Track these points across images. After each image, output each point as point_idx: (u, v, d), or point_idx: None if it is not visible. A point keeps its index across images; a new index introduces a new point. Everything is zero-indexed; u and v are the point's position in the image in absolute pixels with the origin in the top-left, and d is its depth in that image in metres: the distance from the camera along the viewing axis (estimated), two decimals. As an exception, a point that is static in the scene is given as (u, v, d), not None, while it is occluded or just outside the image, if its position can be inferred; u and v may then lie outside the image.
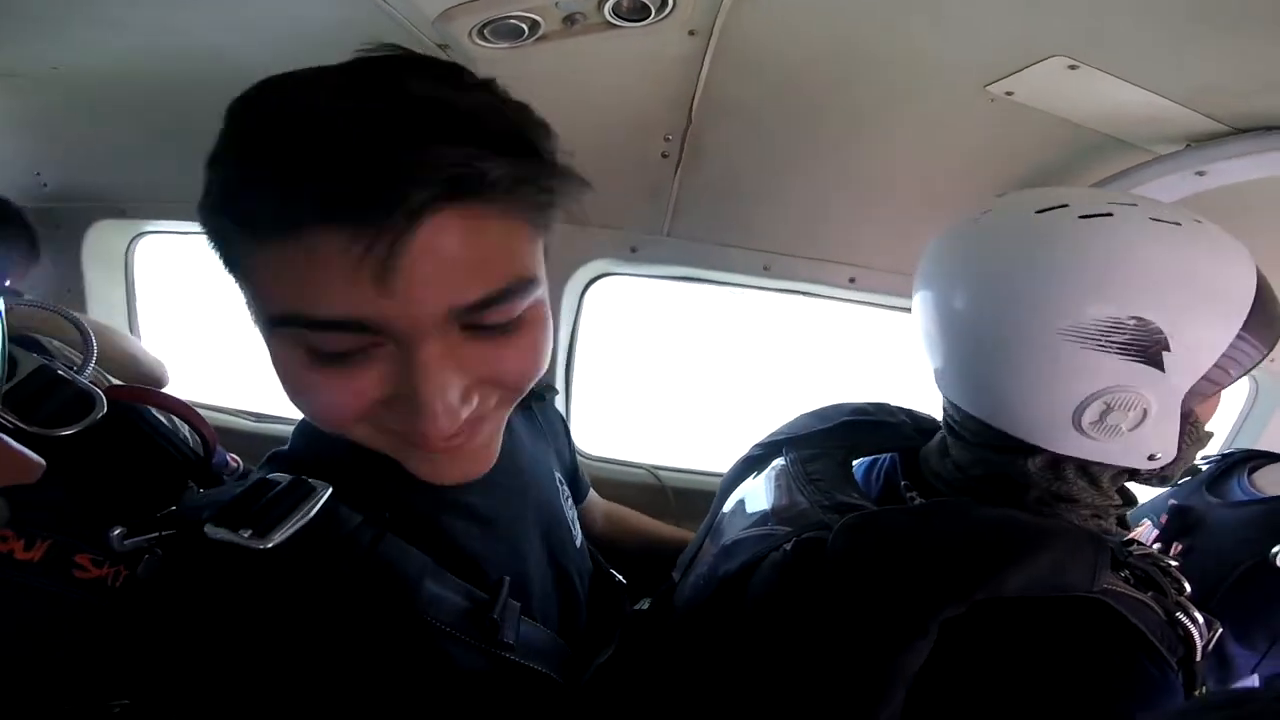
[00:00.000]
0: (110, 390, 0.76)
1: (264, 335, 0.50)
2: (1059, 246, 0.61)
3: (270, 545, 0.51)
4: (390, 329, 0.45)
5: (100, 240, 1.66)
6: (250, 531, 0.52)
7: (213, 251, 0.50)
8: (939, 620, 0.55)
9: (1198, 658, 0.60)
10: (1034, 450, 0.67)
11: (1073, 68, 0.88)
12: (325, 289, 0.43)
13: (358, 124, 0.40)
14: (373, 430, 0.52)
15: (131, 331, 1.78)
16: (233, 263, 0.49)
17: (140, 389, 0.85)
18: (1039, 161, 1.12)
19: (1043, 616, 0.58)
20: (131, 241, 1.73)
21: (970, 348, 0.67)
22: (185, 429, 0.87)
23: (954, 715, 0.58)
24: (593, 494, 1.14)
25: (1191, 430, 0.66)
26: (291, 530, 0.53)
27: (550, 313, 0.54)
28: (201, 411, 0.86)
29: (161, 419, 0.83)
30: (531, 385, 0.55)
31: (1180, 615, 0.61)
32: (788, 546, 0.68)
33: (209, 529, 0.52)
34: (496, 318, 0.48)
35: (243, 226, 0.45)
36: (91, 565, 0.66)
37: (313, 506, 0.55)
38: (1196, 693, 0.60)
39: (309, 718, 0.51)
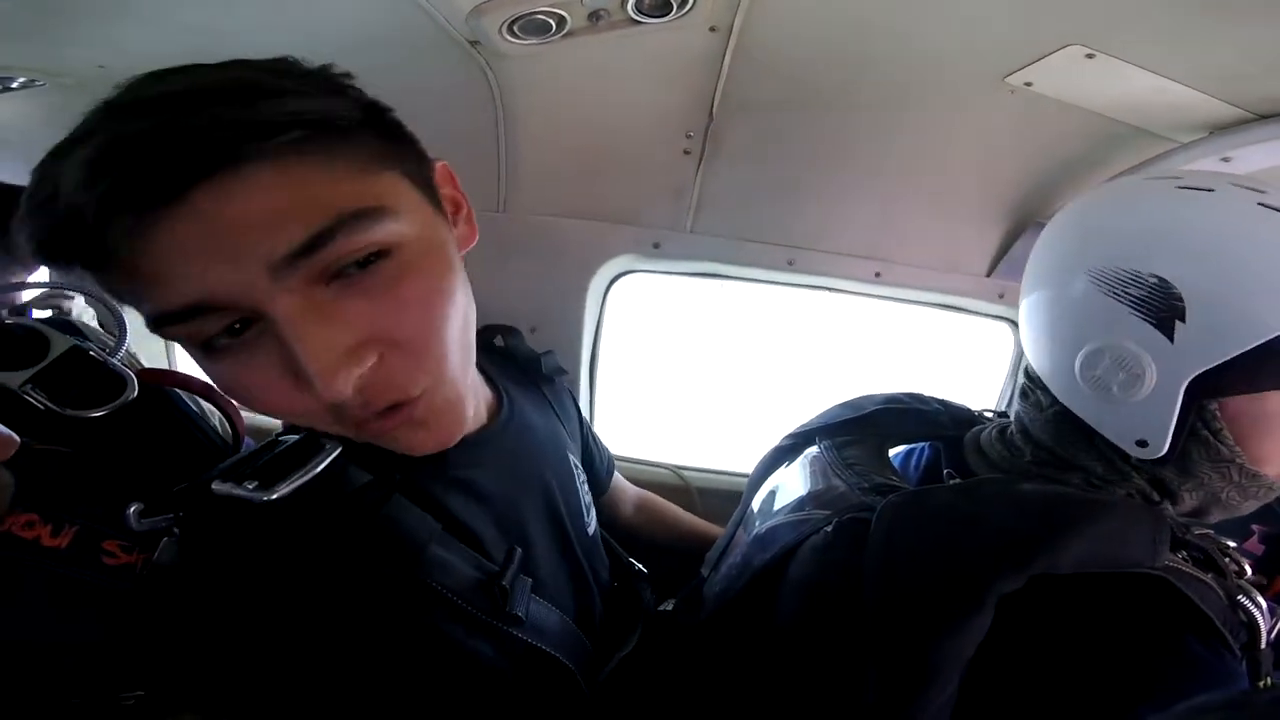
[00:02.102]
0: (142, 372, 0.77)
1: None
2: (1139, 202, 0.65)
3: (275, 497, 0.52)
4: (235, 302, 0.46)
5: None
6: (255, 484, 0.53)
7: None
8: (995, 594, 0.54)
9: (1262, 644, 0.58)
10: (1053, 402, 0.69)
11: (1090, 56, 0.90)
12: (152, 285, 0.45)
13: (103, 139, 0.43)
14: (331, 419, 0.52)
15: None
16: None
17: (172, 372, 0.85)
18: (1062, 152, 1.14)
19: (1101, 595, 0.57)
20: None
21: (1037, 270, 0.70)
22: (216, 416, 0.88)
23: (1010, 704, 0.56)
24: (622, 480, 1.15)
25: (1209, 442, 0.62)
26: (297, 484, 0.54)
27: (455, 262, 0.55)
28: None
29: (192, 405, 0.84)
30: (445, 344, 0.53)
31: (1242, 599, 0.58)
32: (828, 529, 0.68)
33: (215, 485, 0.53)
34: (345, 257, 0.47)
35: (62, 260, 0.46)
36: (121, 551, 0.65)
37: (320, 461, 0.57)
38: (1261, 683, 0.57)
39: (301, 678, 0.51)
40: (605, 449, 1.12)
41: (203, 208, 0.43)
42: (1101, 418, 0.66)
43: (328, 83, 0.50)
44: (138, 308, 0.48)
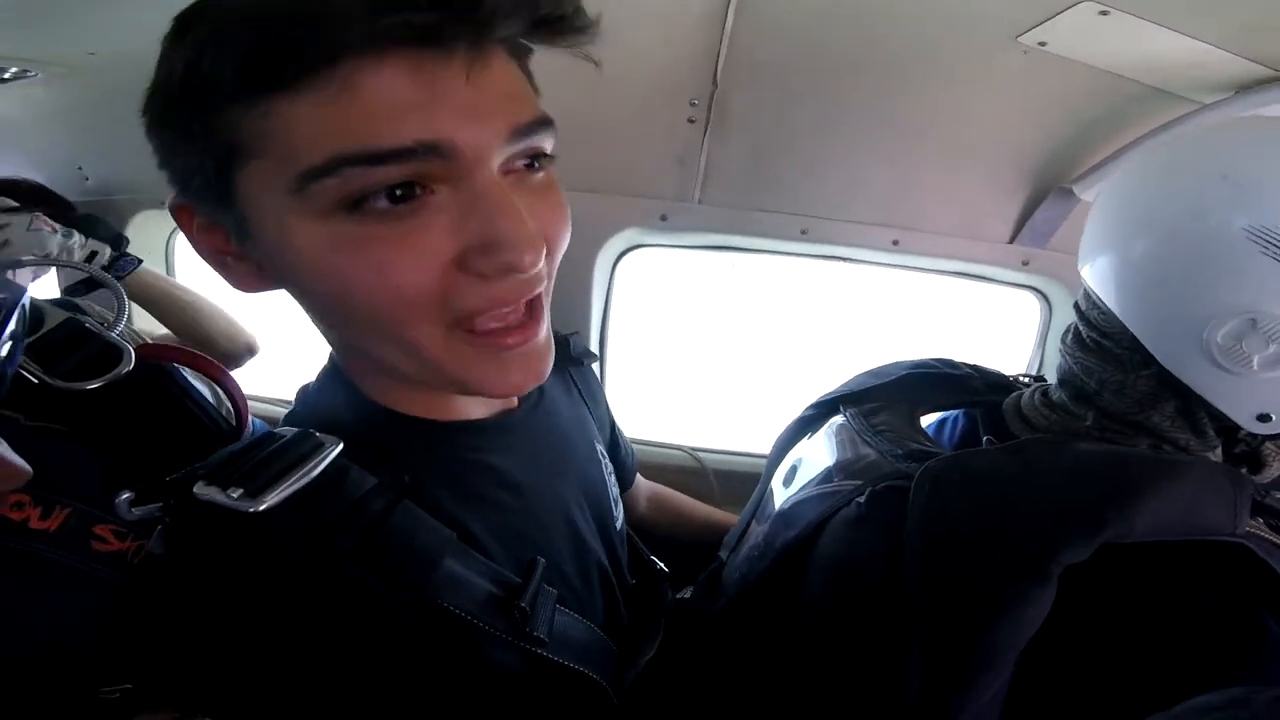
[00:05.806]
0: (141, 348, 0.75)
1: (288, 230, 0.47)
2: None
3: (261, 508, 0.48)
4: (457, 152, 0.45)
5: (142, 232, 1.71)
6: (241, 491, 0.49)
7: (187, 155, 0.50)
8: (1060, 566, 0.50)
9: None
10: (1146, 363, 0.64)
11: (1104, 13, 0.90)
12: (382, 119, 0.43)
13: None
14: (443, 326, 0.51)
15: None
16: (231, 150, 0.47)
17: (170, 346, 0.83)
18: (1080, 115, 1.14)
19: (1175, 564, 0.54)
20: (173, 233, 1.81)
21: (1149, 223, 0.63)
22: (226, 399, 0.87)
23: (1066, 691, 0.53)
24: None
25: None
26: (288, 491, 0.50)
27: None
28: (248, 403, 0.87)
29: (197, 384, 0.82)
30: (560, 252, 0.55)
31: None
32: (860, 500, 0.65)
33: (198, 488, 0.49)
34: (536, 147, 0.50)
35: (258, 82, 0.43)
36: (113, 537, 0.64)
37: (317, 465, 0.52)
38: None
39: (292, 699, 0.49)
40: (626, 439, 1.07)
41: (466, 64, 0.45)
42: (1220, 389, 0.61)
43: None
44: (299, 157, 0.44)
